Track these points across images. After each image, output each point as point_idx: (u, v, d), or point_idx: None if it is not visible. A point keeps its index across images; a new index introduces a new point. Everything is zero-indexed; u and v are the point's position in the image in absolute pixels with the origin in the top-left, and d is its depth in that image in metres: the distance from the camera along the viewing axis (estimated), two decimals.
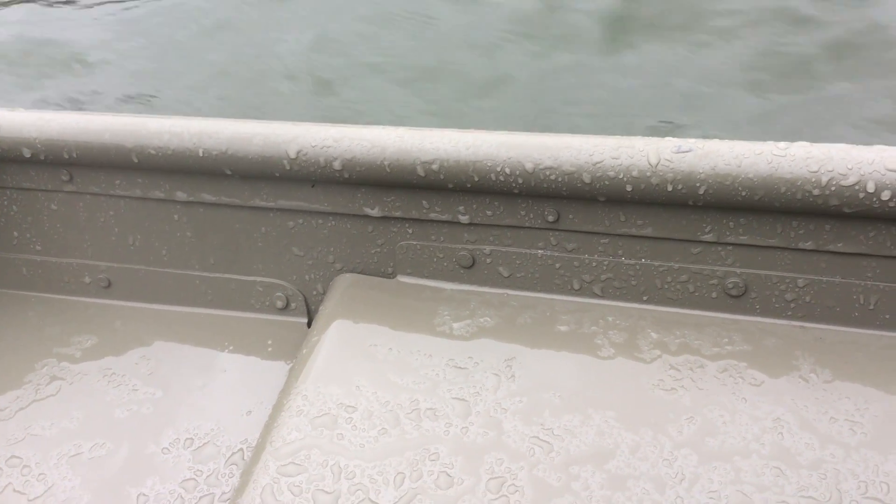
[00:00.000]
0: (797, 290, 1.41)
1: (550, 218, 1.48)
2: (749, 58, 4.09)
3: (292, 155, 1.52)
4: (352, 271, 1.66)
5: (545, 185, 1.42)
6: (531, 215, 1.49)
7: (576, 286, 1.52)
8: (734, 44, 4.18)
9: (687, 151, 1.34)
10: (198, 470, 1.43)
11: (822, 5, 4.33)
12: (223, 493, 1.39)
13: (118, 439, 1.49)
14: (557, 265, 1.52)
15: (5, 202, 1.79)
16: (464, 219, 1.53)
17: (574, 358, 1.40)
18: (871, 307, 1.38)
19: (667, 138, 1.38)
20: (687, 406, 1.29)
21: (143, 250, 1.76)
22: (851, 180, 1.28)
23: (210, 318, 1.75)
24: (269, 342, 1.67)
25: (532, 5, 4.58)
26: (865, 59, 4.00)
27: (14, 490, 1.42)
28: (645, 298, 1.49)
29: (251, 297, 1.73)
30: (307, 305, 1.71)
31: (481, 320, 1.49)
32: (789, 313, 1.43)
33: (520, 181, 1.42)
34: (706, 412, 1.28)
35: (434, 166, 1.45)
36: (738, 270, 1.43)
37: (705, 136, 1.39)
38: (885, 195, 1.26)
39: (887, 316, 1.38)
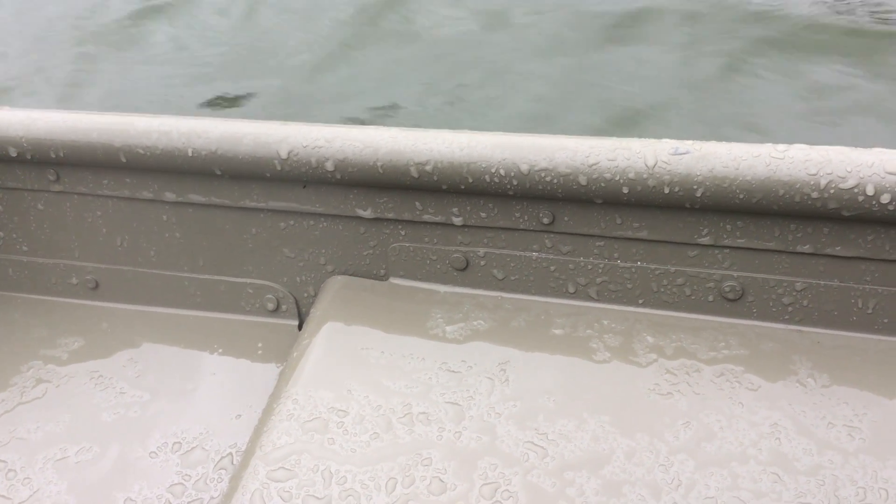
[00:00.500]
0: (795, 293, 1.39)
1: (545, 220, 1.46)
2: None
3: (283, 155, 1.50)
4: (344, 273, 1.64)
5: (540, 187, 1.40)
6: (526, 217, 1.47)
7: (571, 289, 1.50)
8: None
9: (684, 153, 1.33)
10: (186, 474, 1.40)
11: None
12: (211, 497, 1.36)
13: (105, 443, 1.46)
14: (552, 268, 1.50)
15: None
16: (457, 220, 1.51)
17: (569, 362, 1.38)
18: (870, 311, 1.37)
19: (664, 140, 1.36)
20: (683, 411, 1.27)
21: (131, 251, 1.73)
22: (850, 183, 1.26)
23: (199, 321, 1.72)
24: (260, 345, 1.65)
25: None
26: None
27: None
28: (641, 302, 1.48)
29: (241, 299, 1.71)
30: (298, 308, 1.69)
31: (475, 323, 1.47)
32: (787, 317, 1.41)
33: (515, 183, 1.41)
34: (702, 417, 1.26)
35: (428, 167, 1.44)
36: (735, 274, 1.41)
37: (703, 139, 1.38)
38: (885, 198, 1.25)
39: (886, 320, 1.37)
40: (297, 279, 1.67)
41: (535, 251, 1.50)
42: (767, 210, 1.32)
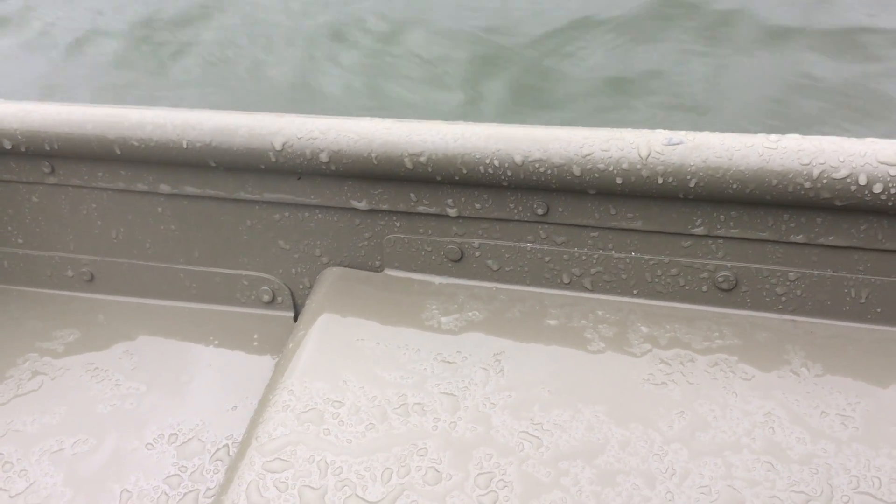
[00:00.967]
0: (788, 283, 1.40)
1: (540, 211, 1.46)
2: None
3: (278, 147, 1.50)
4: (339, 265, 1.64)
5: (534, 178, 1.40)
6: (520, 208, 1.47)
7: (565, 280, 1.51)
8: None
9: (678, 144, 1.33)
10: (182, 466, 1.41)
11: None
12: (208, 489, 1.37)
13: (101, 435, 1.47)
14: (547, 258, 1.50)
15: None
16: (452, 212, 1.51)
17: (563, 352, 1.38)
18: (863, 301, 1.37)
19: (657, 130, 1.36)
20: (677, 400, 1.28)
21: (126, 243, 1.73)
22: (843, 173, 1.27)
23: (195, 313, 1.72)
24: (255, 336, 1.65)
25: None
26: None
27: None
28: (635, 292, 1.48)
29: (236, 290, 1.71)
30: (293, 299, 1.69)
31: (470, 314, 1.48)
32: (780, 307, 1.42)
33: (509, 174, 1.41)
34: (697, 406, 1.26)
35: (422, 158, 1.44)
36: (729, 264, 1.42)
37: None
38: (877, 188, 1.25)
39: (879, 310, 1.37)
40: (293, 271, 1.67)
41: (530, 242, 1.50)
42: (761, 200, 1.32)
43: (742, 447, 1.20)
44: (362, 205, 1.55)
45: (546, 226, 1.48)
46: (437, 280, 1.57)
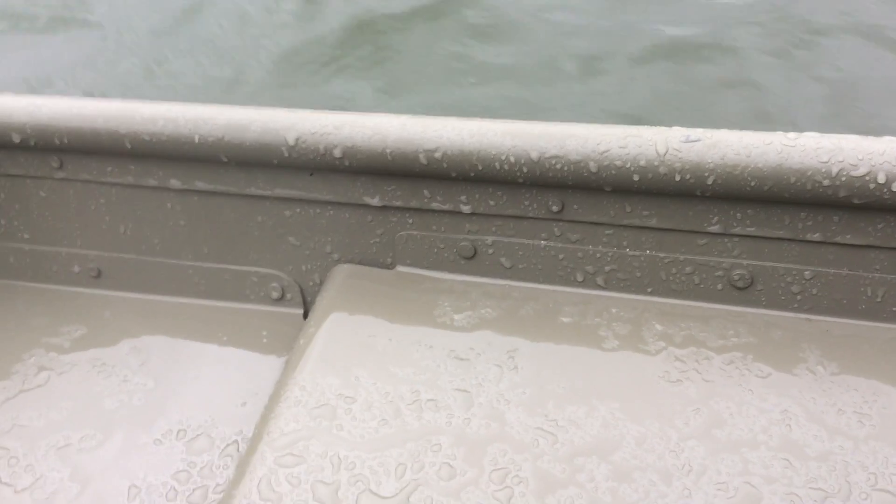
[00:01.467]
0: (804, 282, 1.39)
1: (554, 208, 1.45)
2: None
3: (291, 142, 1.49)
4: (350, 262, 1.63)
5: (550, 175, 1.39)
6: (535, 205, 1.46)
7: (579, 278, 1.50)
8: None
9: (696, 141, 1.32)
10: (191, 462, 1.39)
11: None
12: (217, 485, 1.35)
13: (108, 430, 1.45)
14: (561, 256, 1.50)
15: None
16: (466, 208, 1.50)
17: (577, 350, 1.37)
18: (879, 299, 1.37)
19: (674, 128, 1.36)
20: (693, 398, 1.27)
21: (134, 239, 1.72)
22: (861, 171, 1.26)
23: (203, 309, 1.71)
24: (264, 333, 1.64)
25: None
26: None
27: (0, 482, 1.38)
28: (649, 290, 1.47)
29: (246, 287, 1.70)
30: (303, 296, 1.68)
31: (482, 312, 1.47)
32: (795, 305, 1.41)
33: (524, 170, 1.40)
34: (712, 404, 1.26)
35: (437, 154, 1.43)
36: (745, 262, 1.41)
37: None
38: None
39: (894, 308, 1.37)
40: (303, 267, 1.66)
41: (544, 239, 1.49)
42: (778, 198, 1.32)
43: (759, 444, 1.19)
44: (375, 201, 1.54)
45: (560, 223, 1.47)
46: (450, 277, 1.56)
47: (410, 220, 1.55)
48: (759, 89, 3.77)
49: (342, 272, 1.60)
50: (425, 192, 1.51)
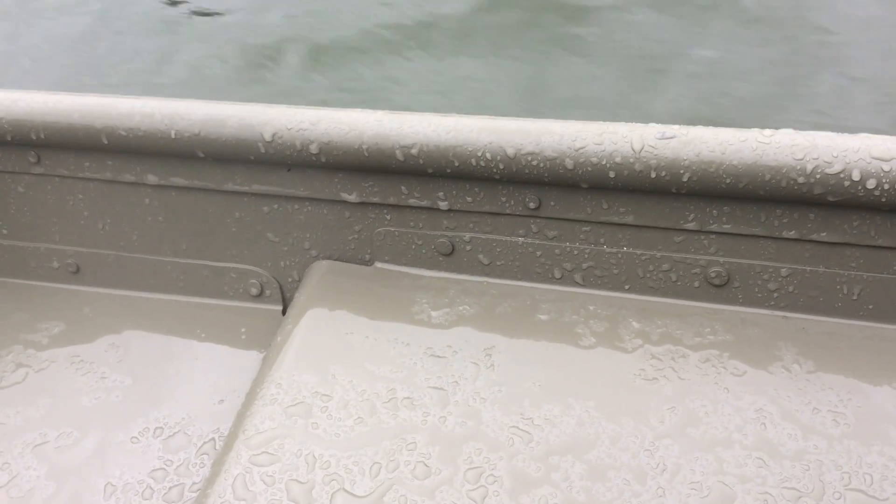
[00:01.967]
0: (780, 279, 1.39)
1: (532, 205, 1.45)
2: None
3: (267, 138, 1.48)
4: (328, 258, 1.62)
5: (527, 171, 1.39)
6: (512, 202, 1.46)
7: (557, 274, 1.50)
8: None
9: (671, 138, 1.32)
10: (168, 459, 1.39)
11: None
12: (193, 483, 1.35)
13: (85, 428, 1.45)
14: (538, 253, 1.49)
15: None
16: (443, 205, 1.50)
17: (554, 347, 1.37)
18: (855, 297, 1.37)
19: (650, 124, 1.35)
20: (668, 396, 1.27)
21: (112, 235, 1.71)
22: (836, 168, 1.26)
23: (182, 305, 1.71)
24: (243, 330, 1.63)
25: None
26: None
27: None
28: (627, 287, 1.47)
29: (224, 283, 1.69)
30: (282, 293, 1.68)
31: (460, 308, 1.46)
32: (772, 303, 1.41)
33: (501, 167, 1.40)
34: (688, 402, 1.26)
35: (413, 151, 1.42)
36: (721, 259, 1.41)
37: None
38: (871, 184, 1.25)
39: (871, 306, 1.37)
40: (281, 264, 1.66)
41: (521, 236, 1.49)
42: (754, 195, 1.31)
43: (733, 443, 1.19)
44: (352, 197, 1.53)
45: (538, 220, 1.47)
46: (428, 274, 1.56)
47: (388, 217, 1.54)
48: None
49: (320, 268, 1.59)
50: (403, 188, 1.50)
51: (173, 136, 1.52)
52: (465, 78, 4.06)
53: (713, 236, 1.40)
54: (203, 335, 1.63)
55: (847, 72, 3.89)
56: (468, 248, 1.53)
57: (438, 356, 1.37)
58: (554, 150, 1.36)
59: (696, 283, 1.44)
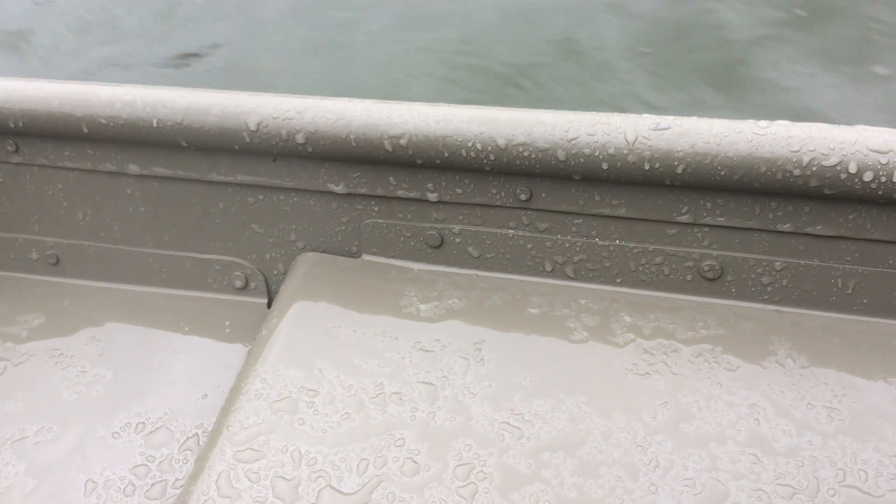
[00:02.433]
0: (774, 273, 1.38)
1: (523, 196, 1.42)
2: None
3: (252, 127, 1.45)
4: (314, 250, 1.59)
5: (518, 162, 1.36)
6: (503, 193, 1.43)
7: (548, 267, 1.47)
8: None
9: (665, 129, 1.30)
10: (150, 455, 1.36)
11: None
12: (176, 479, 1.32)
13: (65, 423, 1.41)
14: (529, 245, 1.47)
15: None
16: (432, 196, 1.47)
17: (545, 341, 1.35)
18: (850, 291, 1.35)
19: (644, 115, 1.33)
20: (661, 391, 1.25)
21: (93, 226, 1.68)
22: (833, 161, 1.24)
23: (164, 298, 1.67)
24: (227, 323, 1.60)
25: None
26: None
27: None
28: (619, 281, 1.45)
29: (208, 276, 1.66)
30: (267, 285, 1.65)
31: (449, 302, 1.44)
32: (766, 297, 1.39)
33: (491, 157, 1.37)
34: (680, 397, 1.24)
35: (402, 141, 1.39)
36: (715, 253, 1.39)
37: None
38: (867, 176, 1.23)
39: (865, 301, 1.35)
40: (267, 256, 1.63)
41: (512, 228, 1.47)
42: (748, 187, 1.30)
43: (727, 439, 1.17)
44: (340, 188, 1.50)
45: (529, 212, 1.44)
46: (416, 266, 1.53)
47: (376, 208, 1.52)
48: None
49: (307, 261, 1.56)
50: (391, 179, 1.47)
51: (155, 124, 1.48)
52: None
53: (707, 229, 1.38)
54: (186, 328, 1.60)
55: None
56: (457, 240, 1.50)
57: (427, 350, 1.34)
58: (546, 141, 1.33)
59: (689, 277, 1.42)
